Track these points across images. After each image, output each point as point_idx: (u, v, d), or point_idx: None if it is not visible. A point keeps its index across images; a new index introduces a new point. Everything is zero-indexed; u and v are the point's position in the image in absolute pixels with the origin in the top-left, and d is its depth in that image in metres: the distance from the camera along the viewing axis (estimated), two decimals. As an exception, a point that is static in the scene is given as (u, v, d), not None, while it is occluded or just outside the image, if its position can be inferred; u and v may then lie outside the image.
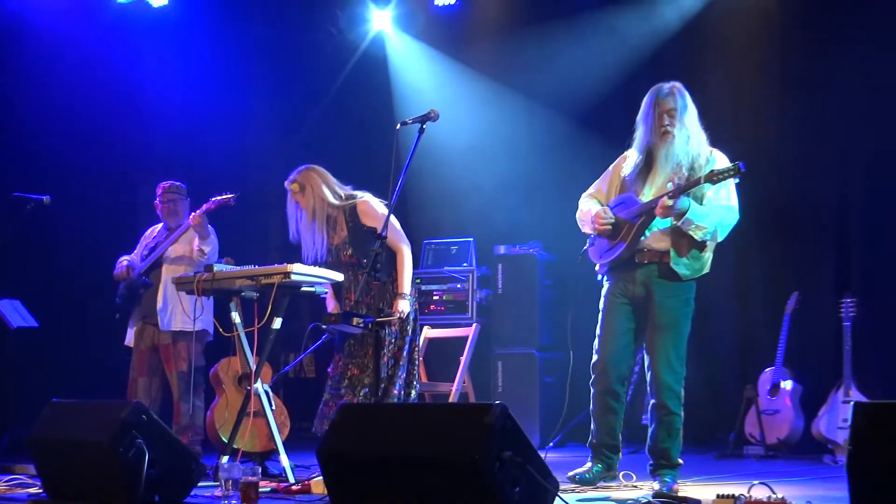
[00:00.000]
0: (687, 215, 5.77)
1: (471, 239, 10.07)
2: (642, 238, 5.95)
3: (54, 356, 9.26)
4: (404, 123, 6.09)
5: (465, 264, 9.99)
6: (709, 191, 5.90)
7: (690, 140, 5.92)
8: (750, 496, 4.16)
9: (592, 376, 6.28)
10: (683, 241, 5.91)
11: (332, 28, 11.07)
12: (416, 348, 7.01)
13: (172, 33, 10.71)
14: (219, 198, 7.75)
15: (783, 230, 9.49)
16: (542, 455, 6.37)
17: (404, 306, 6.78)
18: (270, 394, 6.91)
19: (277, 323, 6.63)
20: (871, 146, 9.03)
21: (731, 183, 5.91)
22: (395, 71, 11.19)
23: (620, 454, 6.35)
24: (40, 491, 5.99)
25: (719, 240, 6.01)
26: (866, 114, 9.01)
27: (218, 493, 5.79)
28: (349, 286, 6.90)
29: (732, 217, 5.96)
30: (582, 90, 9.64)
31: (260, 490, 5.64)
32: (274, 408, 6.91)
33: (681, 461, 6.09)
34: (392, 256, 6.86)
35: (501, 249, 10.04)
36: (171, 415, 7.91)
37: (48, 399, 6.05)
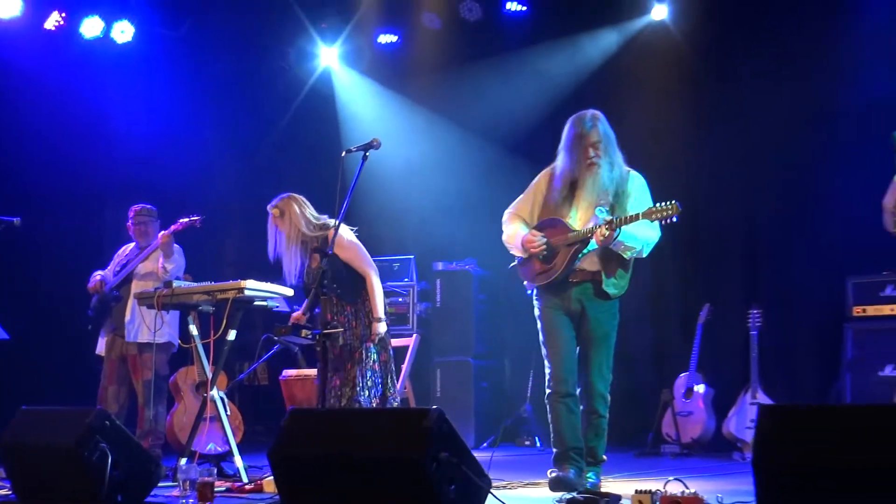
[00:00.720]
0: (618, 238, 5.73)
1: (411, 256, 10.06)
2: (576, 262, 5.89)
3: (27, 367, 9.08)
4: (349, 151, 6.06)
5: (406, 279, 9.99)
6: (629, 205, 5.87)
7: (613, 167, 5.87)
8: (665, 491, 4.15)
9: (549, 390, 6.00)
10: (612, 263, 5.85)
11: (283, 63, 11.04)
12: (391, 361, 6.92)
13: (136, 67, 10.57)
14: (185, 220, 7.72)
15: (696, 247, 9.55)
16: (479, 452, 6.40)
17: (381, 328, 6.69)
18: (225, 400, 6.84)
19: (232, 335, 6.59)
20: (774, 171, 9.11)
21: (646, 198, 5.89)
22: (342, 103, 11.19)
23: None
24: (9, 493, 5.87)
25: (644, 255, 5.95)
26: (768, 141, 9.09)
27: (176, 493, 5.73)
28: (324, 307, 6.78)
29: (656, 234, 5.89)
30: (510, 121, 9.67)
31: (215, 489, 5.57)
32: (229, 413, 6.85)
33: (604, 457, 6.04)
34: (357, 278, 6.76)
35: (439, 266, 10.05)
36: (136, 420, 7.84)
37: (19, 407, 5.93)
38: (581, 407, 5.98)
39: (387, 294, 9.72)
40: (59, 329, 9.25)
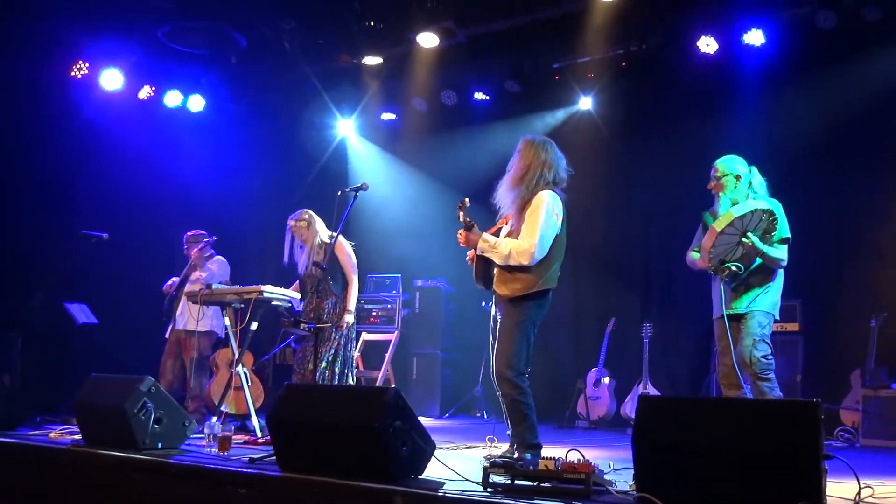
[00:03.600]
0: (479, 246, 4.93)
1: (398, 275, 9.80)
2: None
3: (113, 346, 8.74)
4: (343, 191, 5.68)
5: (394, 292, 9.72)
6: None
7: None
8: (565, 459, 3.82)
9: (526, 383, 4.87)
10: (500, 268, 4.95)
11: (312, 131, 10.80)
12: (353, 346, 6.53)
13: (205, 131, 10.30)
14: (206, 239, 7.55)
15: (607, 272, 9.31)
16: (441, 420, 5.94)
17: (349, 318, 6.36)
18: (248, 374, 6.49)
19: (254, 326, 6.24)
20: (664, 217, 8.87)
21: (534, 216, 4.84)
22: (353, 161, 10.97)
23: None
24: (80, 438, 5.55)
25: (523, 263, 4.78)
26: (662, 191, 8.86)
27: (203, 443, 5.37)
28: (312, 299, 6.42)
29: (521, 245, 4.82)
30: (473, 174, 9.26)
31: (234, 442, 5.26)
32: (250, 384, 6.50)
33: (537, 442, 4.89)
34: (343, 279, 6.43)
35: (419, 282, 9.81)
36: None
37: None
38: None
39: (378, 302, 9.60)
40: (141, 317, 8.88)
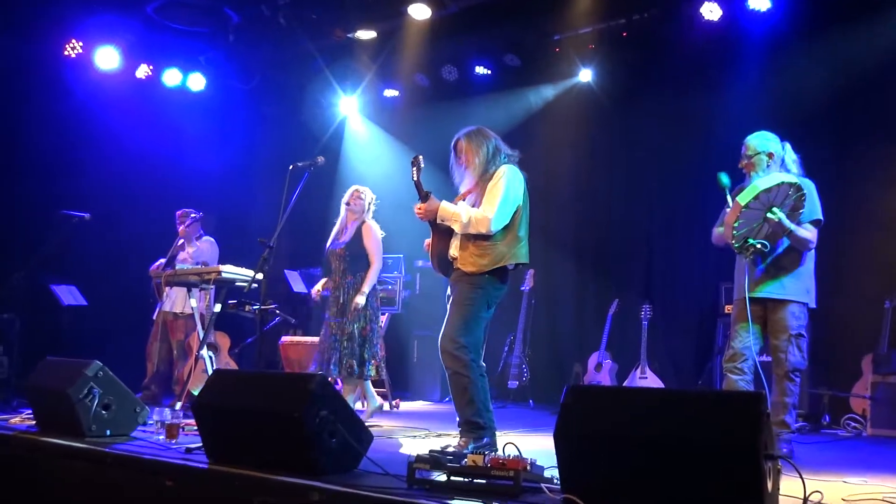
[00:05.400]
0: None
1: (401, 255, 9.43)
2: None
3: (100, 327, 8.54)
4: (296, 166, 5.34)
5: (395, 272, 9.37)
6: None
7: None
8: (501, 453, 3.46)
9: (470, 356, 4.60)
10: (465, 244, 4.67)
11: (317, 109, 10.48)
12: (376, 328, 6.44)
13: (208, 110, 10.03)
14: (192, 216, 7.36)
15: (609, 252, 8.88)
16: (441, 405, 5.47)
17: (360, 300, 6.27)
18: (213, 358, 6.20)
19: (217, 307, 5.94)
20: (665, 195, 8.46)
21: (496, 187, 4.62)
22: (353, 137, 10.66)
23: None
24: (34, 423, 5.33)
25: (481, 231, 4.55)
26: (664, 166, 8.43)
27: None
28: (336, 274, 6.48)
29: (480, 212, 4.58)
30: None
31: (191, 429, 4.95)
32: (216, 367, 6.22)
33: (478, 421, 4.50)
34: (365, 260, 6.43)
35: (419, 263, 9.43)
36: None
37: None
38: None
39: (380, 282, 9.22)
40: (134, 300, 8.68)
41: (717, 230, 5.19)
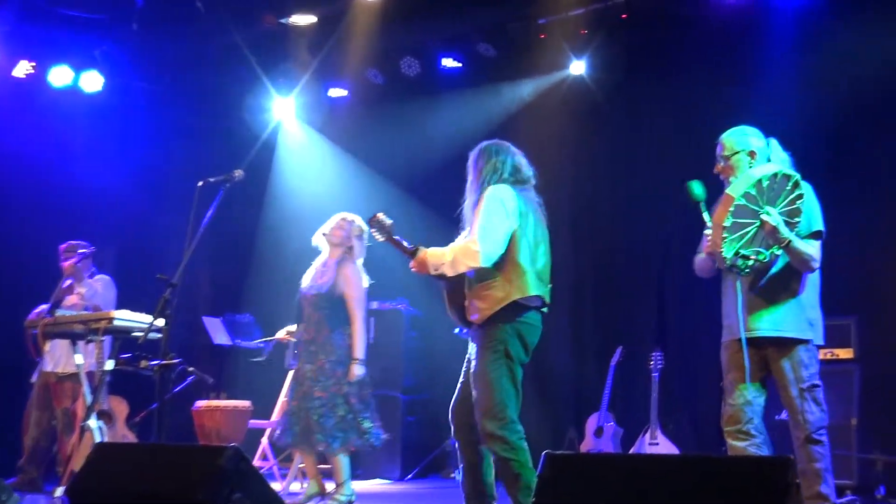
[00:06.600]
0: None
1: (350, 295, 9.40)
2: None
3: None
4: (207, 182, 5.28)
5: (342, 316, 9.32)
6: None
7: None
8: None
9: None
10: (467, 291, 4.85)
11: (243, 114, 10.48)
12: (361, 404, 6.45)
13: (105, 115, 9.95)
14: (84, 250, 7.22)
15: (613, 286, 8.95)
16: (401, 484, 5.38)
17: (359, 371, 6.32)
18: (104, 429, 6.03)
19: (110, 364, 5.79)
20: (678, 206, 8.40)
21: (479, 212, 4.76)
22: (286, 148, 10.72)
23: None
24: None
25: (471, 265, 4.67)
26: (673, 174, 8.27)
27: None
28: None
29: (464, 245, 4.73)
30: (443, 165, 8.88)
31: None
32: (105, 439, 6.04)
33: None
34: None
35: (374, 305, 9.30)
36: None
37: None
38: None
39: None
40: (2, 357, 8.51)
41: (700, 256, 5.08)
